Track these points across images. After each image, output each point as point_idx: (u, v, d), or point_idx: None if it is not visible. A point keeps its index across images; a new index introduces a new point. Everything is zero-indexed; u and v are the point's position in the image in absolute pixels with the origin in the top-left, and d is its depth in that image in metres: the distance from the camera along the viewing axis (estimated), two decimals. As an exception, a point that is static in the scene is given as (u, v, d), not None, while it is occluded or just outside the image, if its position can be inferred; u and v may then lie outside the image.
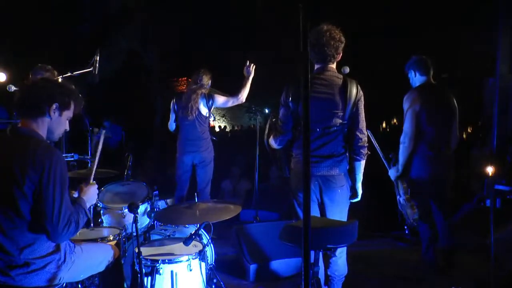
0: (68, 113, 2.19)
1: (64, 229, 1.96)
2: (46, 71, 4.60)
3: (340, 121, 2.73)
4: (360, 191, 2.88)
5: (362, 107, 2.78)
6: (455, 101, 3.67)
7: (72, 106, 2.20)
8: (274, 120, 2.97)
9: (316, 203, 2.80)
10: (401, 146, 3.59)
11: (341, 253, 2.87)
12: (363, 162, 2.82)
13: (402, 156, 3.60)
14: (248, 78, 4.53)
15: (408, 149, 3.55)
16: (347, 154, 2.82)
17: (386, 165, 3.89)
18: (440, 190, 3.67)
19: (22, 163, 1.93)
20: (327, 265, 2.88)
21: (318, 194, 2.79)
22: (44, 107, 2.07)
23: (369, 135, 4.30)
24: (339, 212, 2.80)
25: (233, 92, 4.63)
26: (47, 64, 4.75)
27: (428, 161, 3.55)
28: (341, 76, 2.78)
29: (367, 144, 2.81)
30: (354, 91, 2.72)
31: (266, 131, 3.05)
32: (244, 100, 4.59)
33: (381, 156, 3.94)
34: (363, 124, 2.78)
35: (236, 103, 4.64)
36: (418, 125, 3.51)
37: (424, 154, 3.55)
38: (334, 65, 2.83)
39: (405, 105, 3.57)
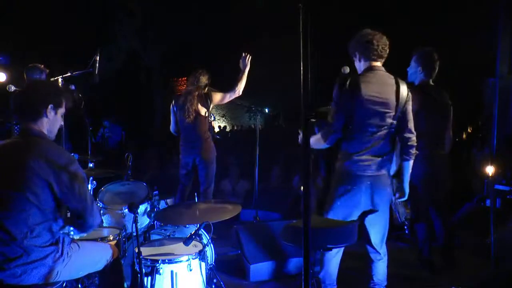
0: (62, 110, 2.32)
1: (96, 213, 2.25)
2: (40, 71, 4.60)
3: (391, 121, 2.74)
4: (407, 190, 2.88)
5: (411, 107, 2.82)
6: (449, 101, 3.69)
7: (64, 103, 2.33)
8: (315, 120, 2.84)
9: (361, 205, 2.76)
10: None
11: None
12: (411, 162, 2.85)
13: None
14: (244, 71, 4.50)
15: None
16: (393, 154, 2.84)
17: None
18: (436, 189, 3.67)
19: (38, 158, 2.05)
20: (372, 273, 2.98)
21: (369, 195, 2.76)
22: (41, 109, 2.20)
23: None
24: (386, 212, 2.86)
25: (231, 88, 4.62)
26: (46, 63, 4.75)
27: (424, 160, 3.54)
28: (392, 76, 2.79)
29: (416, 144, 2.84)
30: (405, 91, 2.76)
31: (302, 130, 2.90)
32: (241, 93, 4.56)
33: None
34: (411, 124, 2.82)
35: (233, 97, 4.60)
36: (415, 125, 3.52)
37: (420, 153, 3.56)
38: (380, 64, 2.82)
39: None
